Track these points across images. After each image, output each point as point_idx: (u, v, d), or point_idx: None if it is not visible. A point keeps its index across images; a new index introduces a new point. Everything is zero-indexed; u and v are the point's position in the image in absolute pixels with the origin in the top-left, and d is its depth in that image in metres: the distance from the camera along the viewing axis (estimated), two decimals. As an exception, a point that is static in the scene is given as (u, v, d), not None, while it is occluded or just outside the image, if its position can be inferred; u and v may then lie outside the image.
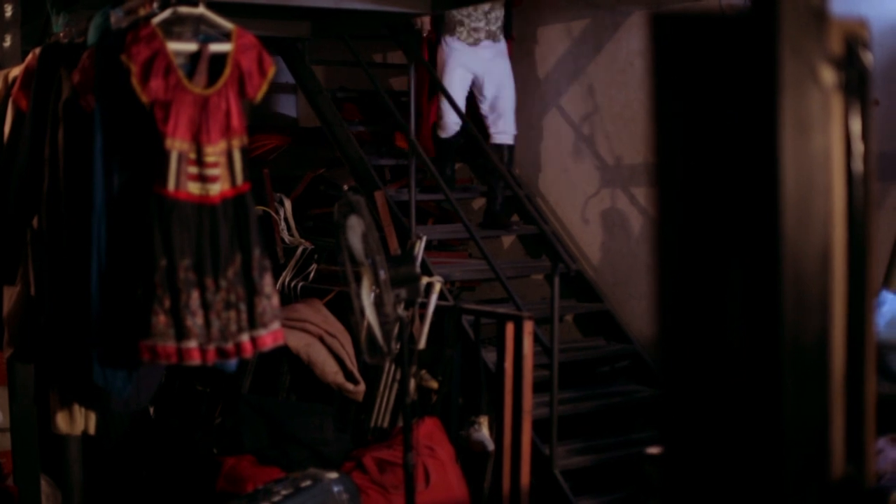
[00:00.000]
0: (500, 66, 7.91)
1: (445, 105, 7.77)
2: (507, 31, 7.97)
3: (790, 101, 1.39)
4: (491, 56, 7.86)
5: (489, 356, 6.62)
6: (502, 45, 7.95)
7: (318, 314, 6.83)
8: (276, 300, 4.11)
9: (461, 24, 7.82)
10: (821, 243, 1.45)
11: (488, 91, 7.90)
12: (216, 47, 4.01)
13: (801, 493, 1.45)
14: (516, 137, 8.06)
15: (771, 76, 1.39)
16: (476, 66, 7.83)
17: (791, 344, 1.42)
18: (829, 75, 1.44)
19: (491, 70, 7.86)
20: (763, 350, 1.43)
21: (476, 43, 7.82)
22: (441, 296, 6.62)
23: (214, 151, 3.95)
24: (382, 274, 4.82)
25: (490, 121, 7.97)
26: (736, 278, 1.44)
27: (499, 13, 7.86)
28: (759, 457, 1.44)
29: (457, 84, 7.81)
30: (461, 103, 7.77)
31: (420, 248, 6.68)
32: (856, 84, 1.47)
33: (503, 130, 7.98)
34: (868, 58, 1.49)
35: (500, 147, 7.96)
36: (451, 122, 7.88)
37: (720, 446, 1.49)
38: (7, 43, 5.45)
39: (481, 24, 7.80)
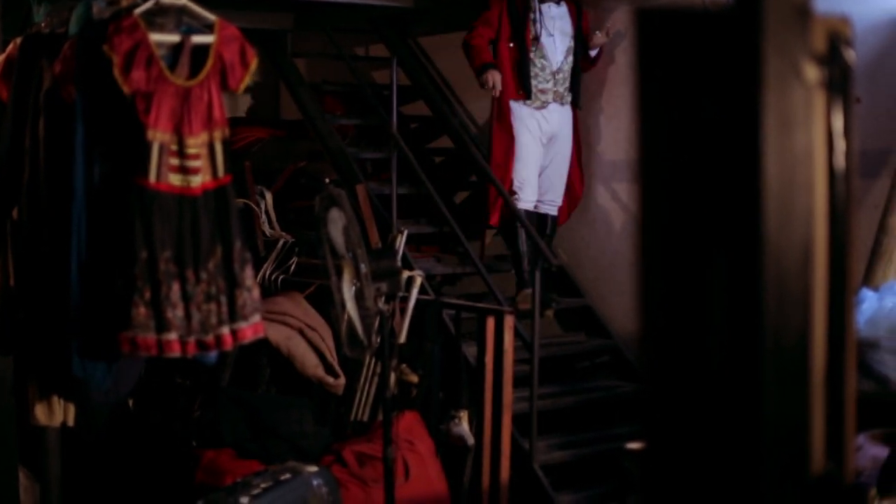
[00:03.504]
0: (564, 133, 7.36)
1: (522, 174, 7.26)
2: (576, 99, 7.39)
3: (773, 97, 1.39)
4: (557, 120, 7.31)
5: (470, 350, 6.62)
6: (569, 111, 7.38)
7: (298, 307, 6.82)
8: (256, 293, 4.11)
9: (530, 84, 7.28)
10: (802, 240, 1.45)
11: (546, 157, 7.37)
12: (198, 39, 4.01)
13: (781, 489, 1.46)
14: (561, 209, 7.52)
15: (754, 73, 1.39)
16: (545, 130, 7.29)
17: (772, 340, 1.43)
18: (812, 72, 1.44)
19: (556, 135, 7.32)
20: (744, 346, 1.43)
21: (543, 106, 7.26)
22: (422, 290, 6.61)
23: (196, 143, 3.94)
24: (363, 267, 4.81)
25: (543, 187, 7.40)
26: (718, 275, 1.44)
27: (566, 73, 7.31)
28: (739, 453, 1.45)
29: (532, 153, 7.29)
30: (535, 172, 7.33)
31: (401, 242, 6.69)
32: (838, 81, 1.47)
33: (551, 200, 7.43)
34: (851, 55, 1.49)
35: (543, 217, 7.44)
36: (530, 191, 7.30)
37: (700, 442, 1.49)
38: (-13, 33, 5.42)
39: (549, 86, 7.26)
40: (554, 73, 7.26)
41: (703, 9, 1.47)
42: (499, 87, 7.21)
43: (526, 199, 7.27)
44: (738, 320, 1.43)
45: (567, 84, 7.31)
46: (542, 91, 7.25)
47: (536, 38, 7.21)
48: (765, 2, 1.39)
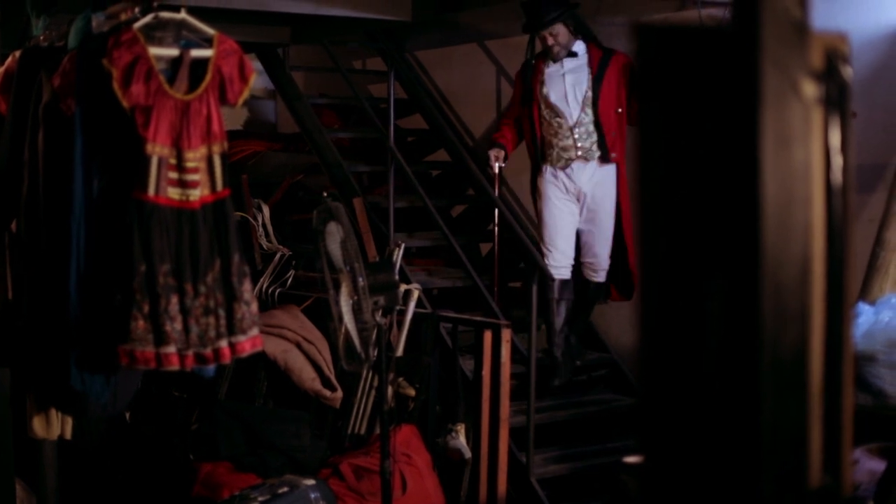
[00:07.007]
0: (599, 194, 6.86)
1: (549, 240, 6.89)
2: (604, 154, 6.82)
3: (771, 113, 1.40)
4: (586, 179, 6.84)
5: (467, 364, 6.63)
6: (601, 169, 6.86)
7: (295, 320, 6.82)
8: (254, 306, 4.11)
9: (550, 145, 6.91)
10: (800, 255, 1.46)
11: (582, 219, 6.91)
12: (197, 53, 4.01)
13: (779, 502, 1.46)
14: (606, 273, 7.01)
15: (752, 89, 1.40)
16: (572, 186, 6.86)
17: (770, 354, 1.43)
18: (809, 89, 1.45)
19: (589, 195, 6.86)
20: (742, 360, 1.44)
21: (567, 165, 6.83)
22: (419, 303, 6.62)
23: (195, 157, 3.95)
24: (361, 281, 4.82)
25: (583, 250, 7.00)
26: (716, 289, 1.45)
27: (587, 127, 6.82)
28: (737, 466, 1.45)
29: (557, 215, 6.90)
30: (569, 237, 6.94)
31: (398, 255, 6.69)
32: (836, 98, 1.48)
33: (591, 264, 6.99)
34: (848, 72, 1.50)
35: (586, 283, 7.06)
36: (559, 256, 6.89)
37: (698, 456, 1.50)
38: (-14, 46, 5.42)
39: (569, 143, 6.81)
40: (572, 129, 6.82)
41: (698, 24, 1.48)
42: (495, 164, 7.03)
43: (556, 265, 6.90)
44: (737, 334, 1.44)
45: (593, 139, 6.82)
46: (565, 149, 6.84)
47: (546, 100, 6.89)
48: (763, 18, 1.40)
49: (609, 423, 7.17)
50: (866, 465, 4.36)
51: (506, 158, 7.10)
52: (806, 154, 1.45)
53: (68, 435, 4.64)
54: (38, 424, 4.53)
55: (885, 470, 3.96)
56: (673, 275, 1.51)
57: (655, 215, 1.51)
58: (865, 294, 5.70)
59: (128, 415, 6.58)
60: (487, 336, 6.21)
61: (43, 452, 5.33)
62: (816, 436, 1.51)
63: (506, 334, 6.18)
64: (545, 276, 6.70)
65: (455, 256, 7.30)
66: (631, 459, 4.78)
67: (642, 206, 1.53)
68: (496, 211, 7.12)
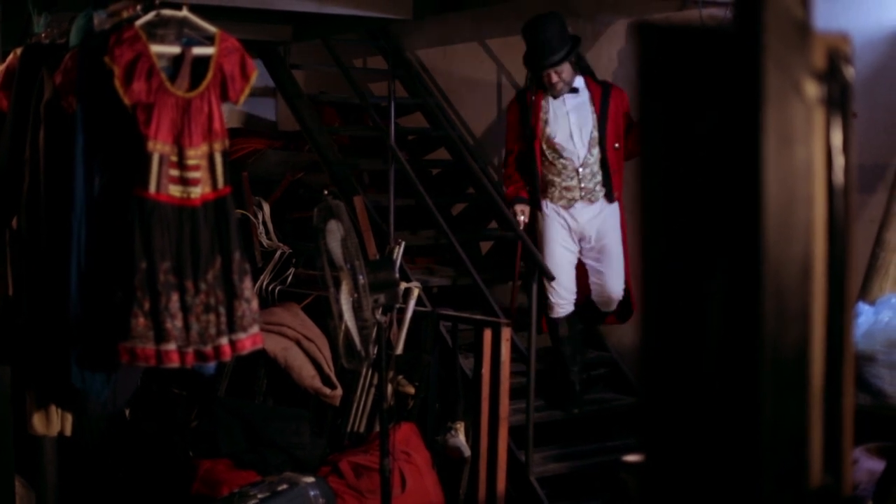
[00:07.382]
0: (604, 230, 6.74)
1: (552, 272, 6.72)
2: (609, 193, 6.71)
3: (773, 113, 1.40)
4: (587, 219, 6.73)
5: (466, 362, 6.63)
6: (605, 206, 6.75)
7: (295, 318, 6.82)
8: (255, 304, 4.12)
9: (552, 184, 6.73)
10: (801, 255, 1.46)
11: (590, 253, 6.82)
12: (199, 50, 4.02)
13: (779, 501, 1.46)
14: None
15: (755, 89, 1.40)
16: (574, 226, 6.75)
17: (771, 354, 1.43)
18: (811, 89, 1.45)
19: (592, 235, 6.76)
20: (743, 360, 1.44)
21: (570, 205, 6.71)
22: (419, 301, 6.62)
23: (196, 154, 3.95)
24: (361, 279, 4.83)
25: (595, 291, 6.92)
26: (717, 288, 1.45)
27: (592, 168, 6.67)
28: (738, 465, 1.45)
29: (561, 253, 6.78)
30: (572, 272, 6.85)
31: (398, 253, 6.70)
32: (838, 98, 1.48)
33: (605, 300, 6.93)
34: (850, 72, 1.50)
35: (595, 308, 7.01)
36: (560, 299, 6.83)
37: (698, 455, 1.50)
38: (-13, 43, 5.43)
39: (573, 183, 6.67)
40: (577, 170, 6.67)
41: (700, 23, 1.48)
42: (520, 218, 6.77)
43: (562, 301, 6.85)
44: (738, 333, 1.44)
45: (597, 179, 6.70)
46: (568, 189, 6.69)
47: (549, 139, 6.69)
48: (765, 18, 1.40)
49: (609, 422, 7.17)
50: (865, 465, 4.37)
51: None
52: (808, 154, 1.46)
53: (68, 432, 4.64)
54: (38, 421, 4.53)
55: (885, 469, 3.97)
56: (673, 275, 1.51)
57: (656, 214, 1.52)
58: (865, 294, 5.70)
59: (128, 412, 6.58)
60: (487, 334, 6.20)
61: (43, 449, 5.33)
62: (816, 436, 1.51)
63: (505, 333, 6.18)
64: (547, 275, 6.69)
65: (455, 254, 7.29)
66: (631, 458, 4.78)
67: (644, 206, 1.53)
68: (519, 243, 6.92)
